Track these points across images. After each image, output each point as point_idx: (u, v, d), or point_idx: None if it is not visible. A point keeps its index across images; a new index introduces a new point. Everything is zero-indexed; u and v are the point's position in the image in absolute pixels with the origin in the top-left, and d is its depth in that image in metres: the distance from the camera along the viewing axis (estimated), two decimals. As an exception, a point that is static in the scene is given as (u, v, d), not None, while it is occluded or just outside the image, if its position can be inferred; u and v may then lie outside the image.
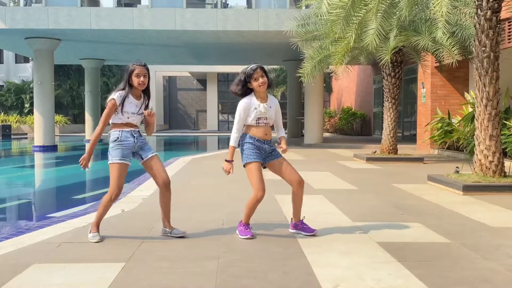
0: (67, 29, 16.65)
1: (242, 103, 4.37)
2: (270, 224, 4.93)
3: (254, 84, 4.33)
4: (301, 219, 4.53)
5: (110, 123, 4.34)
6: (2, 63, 41.05)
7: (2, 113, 35.40)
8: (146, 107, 4.48)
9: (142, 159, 4.37)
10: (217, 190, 7.35)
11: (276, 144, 4.60)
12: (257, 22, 16.54)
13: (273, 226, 4.86)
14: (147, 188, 7.45)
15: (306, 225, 4.53)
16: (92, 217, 5.21)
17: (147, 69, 4.41)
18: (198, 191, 7.30)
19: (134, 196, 6.67)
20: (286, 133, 5.30)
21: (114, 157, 4.21)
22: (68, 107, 37.83)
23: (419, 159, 11.87)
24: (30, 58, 33.80)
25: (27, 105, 36.31)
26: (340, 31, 9.30)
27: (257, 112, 4.35)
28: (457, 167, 8.18)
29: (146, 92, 4.50)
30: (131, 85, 4.35)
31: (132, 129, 4.33)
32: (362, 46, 10.94)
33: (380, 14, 9.13)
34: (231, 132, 4.42)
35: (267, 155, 4.42)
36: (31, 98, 34.60)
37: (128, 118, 4.31)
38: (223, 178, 8.56)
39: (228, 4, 20.30)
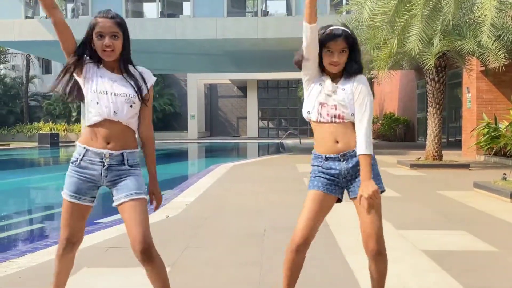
0: (112, 40, 17.12)
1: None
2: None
3: (324, 58, 2.57)
4: None
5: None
6: (51, 73, 42.54)
7: (51, 122, 36.69)
8: (140, 92, 2.53)
9: (113, 202, 2.55)
10: (258, 197, 7.40)
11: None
12: (297, 29, 16.52)
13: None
14: (190, 194, 7.58)
15: None
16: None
17: (120, 24, 2.52)
18: (240, 198, 7.36)
19: (177, 202, 6.79)
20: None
21: (65, 188, 2.58)
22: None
23: (465, 166, 11.59)
24: (77, 68, 34.97)
25: (74, 114, 37.48)
26: (384, 36, 9.23)
27: (320, 92, 2.58)
28: (504, 174, 7.96)
29: (124, 64, 2.58)
30: (92, 53, 2.53)
31: (108, 149, 2.49)
32: (405, 51, 10.81)
33: (423, 18, 9.01)
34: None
35: (347, 179, 2.60)
36: (78, 107, 35.71)
37: (97, 103, 2.48)
38: (264, 186, 8.61)
39: (268, 12, 20.39)
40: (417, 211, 6.15)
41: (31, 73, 39.67)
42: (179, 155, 23.30)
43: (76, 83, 2.60)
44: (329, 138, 2.56)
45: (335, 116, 2.55)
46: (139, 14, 19.82)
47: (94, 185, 2.55)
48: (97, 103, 2.48)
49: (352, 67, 2.59)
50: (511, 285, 3.32)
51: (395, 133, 25.89)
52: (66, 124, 36.39)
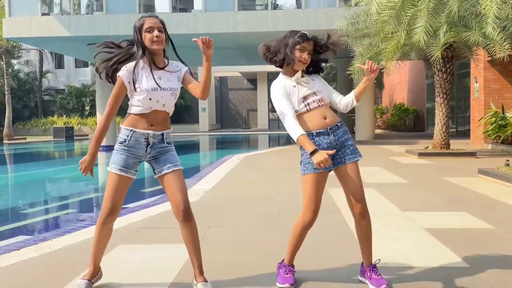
0: (126, 35, 17.53)
1: (278, 83, 3.12)
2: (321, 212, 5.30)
3: (296, 55, 3.05)
4: (373, 262, 3.15)
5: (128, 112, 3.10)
6: (63, 68, 43.14)
7: (64, 116, 37.31)
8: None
9: (155, 173, 3.07)
10: (271, 185, 7.79)
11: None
12: (307, 22, 16.87)
13: (324, 213, 5.24)
14: (207, 182, 8.00)
15: (377, 273, 3.07)
16: (163, 207, 5.77)
17: (162, 23, 3.07)
18: (254, 186, 7.76)
19: (196, 190, 7.21)
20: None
21: (113, 163, 2.99)
22: (126, 108, 39.31)
23: (472, 154, 11.88)
24: (89, 62, 35.46)
25: (87, 108, 38.03)
26: (391, 29, 9.54)
27: (300, 89, 3.04)
28: (507, 160, 8.28)
29: (167, 59, 3.16)
30: (144, 49, 3.03)
31: (152, 130, 3.01)
32: (412, 43, 11.10)
33: (429, 11, 9.30)
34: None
35: (336, 151, 3.02)
36: (91, 101, 36.28)
37: (149, 99, 2.98)
38: (276, 174, 9.01)
39: (277, 4, 20.66)
40: (422, 196, 6.51)
41: (44, 67, 40.26)
42: (193, 147, 23.78)
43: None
44: (318, 116, 3.02)
45: (320, 100, 3.05)
46: (150, 8, 20.19)
47: (138, 161, 3.04)
48: (150, 99, 2.99)
49: (315, 66, 3.19)
50: (505, 257, 3.69)
51: (405, 123, 26.15)
52: (79, 118, 36.95)
